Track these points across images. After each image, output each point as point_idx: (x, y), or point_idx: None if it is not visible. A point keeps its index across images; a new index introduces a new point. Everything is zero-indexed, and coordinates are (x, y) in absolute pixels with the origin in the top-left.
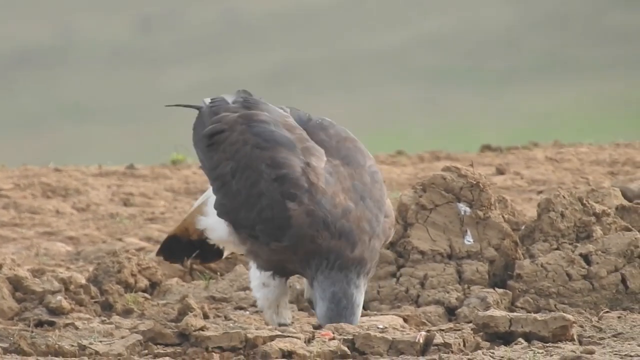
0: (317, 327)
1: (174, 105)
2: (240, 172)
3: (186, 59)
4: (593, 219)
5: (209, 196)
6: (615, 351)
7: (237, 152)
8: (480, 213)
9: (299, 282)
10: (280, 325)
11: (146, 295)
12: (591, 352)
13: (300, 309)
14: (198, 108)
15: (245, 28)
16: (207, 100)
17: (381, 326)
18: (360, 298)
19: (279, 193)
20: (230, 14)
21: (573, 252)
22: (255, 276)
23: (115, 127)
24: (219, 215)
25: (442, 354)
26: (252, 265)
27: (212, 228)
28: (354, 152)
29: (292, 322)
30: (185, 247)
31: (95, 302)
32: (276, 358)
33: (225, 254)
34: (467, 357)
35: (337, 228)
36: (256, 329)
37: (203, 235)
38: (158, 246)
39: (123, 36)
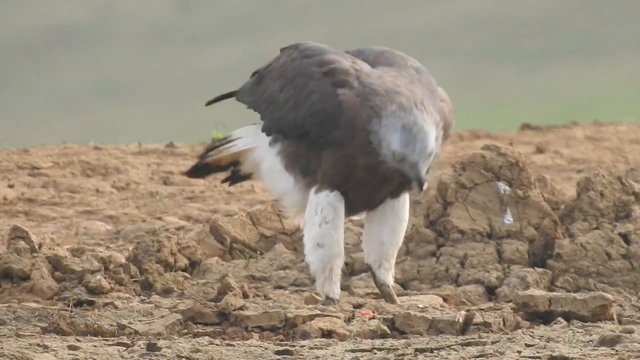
0: (357, 306)
1: (213, 102)
2: (289, 83)
3: (225, 37)
4: (632, 198)
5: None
6: None
7: (286, 70)
8: (520, 192)
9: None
10: (327, 298)
11: (186, 274)
12: (630, 332)
13: (340, 288)
14: (235, 92)
15: (284, 6)
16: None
17: (421, 305)
18: (429, 128)
19: (329, 84)
20: None
21: (612, 231)
22: (309, 236)
23: (155, 105)
24: (268, 131)
25: (481, 333)
26: (311, 205)
27: (274, 180)
28: (392, 58)
29: (339, 300)
30: (214, 170)
31: (135, 281)
32: (316, 337)
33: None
34: (506, 336)
35: (388, 92)
36: (296, 308)
37: (232, 162)
38: (198, 225)
39: (162, 14)
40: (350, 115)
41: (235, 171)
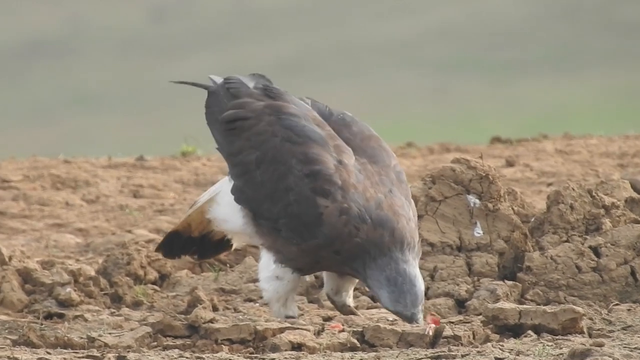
0: (327, 319)
1: (179, 82)
2: (267, 164)
3: (198, 49)
4: (602, 211)
5: (218, 191)
6: (625, 344)
7: (264, 143)
8: (490, 205)
9: (309, 275)
10: (287, 317)
11: (155, 287)
12: (601, 345)
13: (310, 301)
14: (206, 87)
15: (257, 17)
16: (217, 79)
17: (391, 318)
18: (413, 270)
19: (309, 189)
20: (242, 4)
21: (582, 244)
22: (269, 268)
23: (125, 118)
24: (238, 201)
25: (451, 347)
26: (268, 257)
27: (225, 218)
28: (379, 151)
29: (299, 315)
30: (185, 244)
31: (105, 294)
32: (286, 350)
33: (235, 246)
34: (476, 349)
35: (373, 219)
36: (266, 321)
37: (205, 232)
38: None
39: (134, 25)
40: (331, 230)
41: (208, 240)
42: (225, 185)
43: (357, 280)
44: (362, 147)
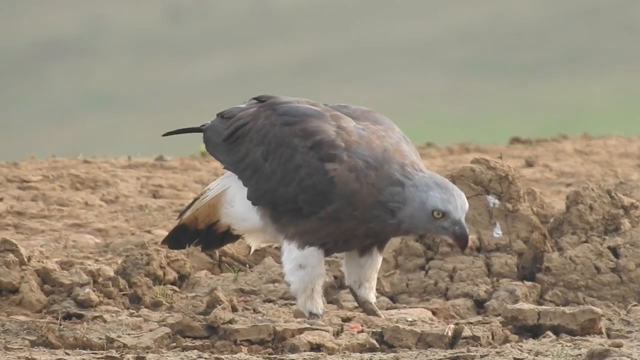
0: (346, 319)
1: (169, 134)
2: (272, 153)
3: (215, 50)
4: (621, 211)
5: (227, 186)
6: None
7: (266, 135)
8: (509, 205)
9: (327, 275)
10: (311, 315)
11: (175, 287)
12: (619, 346)
13: (329, 302)
14: (199, 128)
15: (275, 19)
16: (208, 122)
17: (410, 319)
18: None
19: (317, 159)
20: (259, 5)
21: (601, 245)
22: (291, 258)
23: (144, 118)
24: (255, 203)
25: (470, 347)
26: (289, 248)
27: (242, 218)
28: (381, 118)
29: (323, 314)
30: (192, 236)
31: (124, 294)
32: (305, 351)
33: (253, 247)
34: (495, 350)
35: (379, 161)
36: (285, 322)
37: (210, 223)
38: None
39: (152, 26)
40: (345, 191)
41: (213, 231)
42: (237, 186)
43: (378, 267)
44: (364, 116)
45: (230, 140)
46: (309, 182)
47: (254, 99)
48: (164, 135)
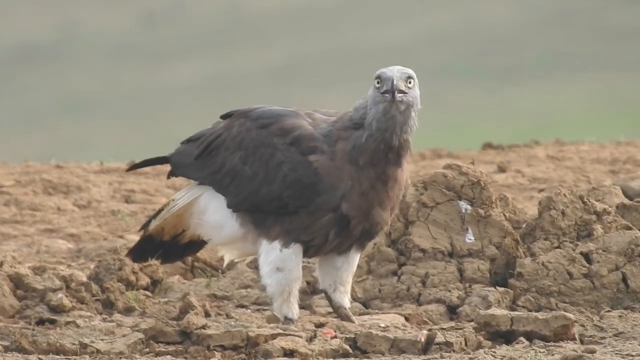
0: (319, 325)
1: (133, 168)
2: (252, 155)
3: (190, 54)
4: (594, 217)
5: (196, 195)
6: (617, 350)
7: (243, 141)
8: (481, 211)
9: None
10: (286, 319)
11: (147, 293)
12: (592, 352)
13: (302, 307)
14: (164, 158)
15: (250, 23)
16: (172, 152)
17: (383, 325)
18: None
19: (298, 154)
20: (235, 9)
21: (574, 250)
22: (269, 260)
23: (117, 123)
24: (237, 209)
25: (443, 353)
26: (267, 250)
27: (219, 226)
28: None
29: (297, 319)
30: (156, 247)
31: (97, 300)
32: (278, 356)
33: (226, 260)
34: (468, 356)
35: (353, 120)
36: (258, 327)
37: (175, 234)
38: None
39: (126, 31)
40: (332, 179)
41: (176, 242)
42: (209, 196)
43: (354, 270)
44: (336, 114)
45: (203, 155)
46: (293, 177)
47: (221, 117)
48: (127, 170)
